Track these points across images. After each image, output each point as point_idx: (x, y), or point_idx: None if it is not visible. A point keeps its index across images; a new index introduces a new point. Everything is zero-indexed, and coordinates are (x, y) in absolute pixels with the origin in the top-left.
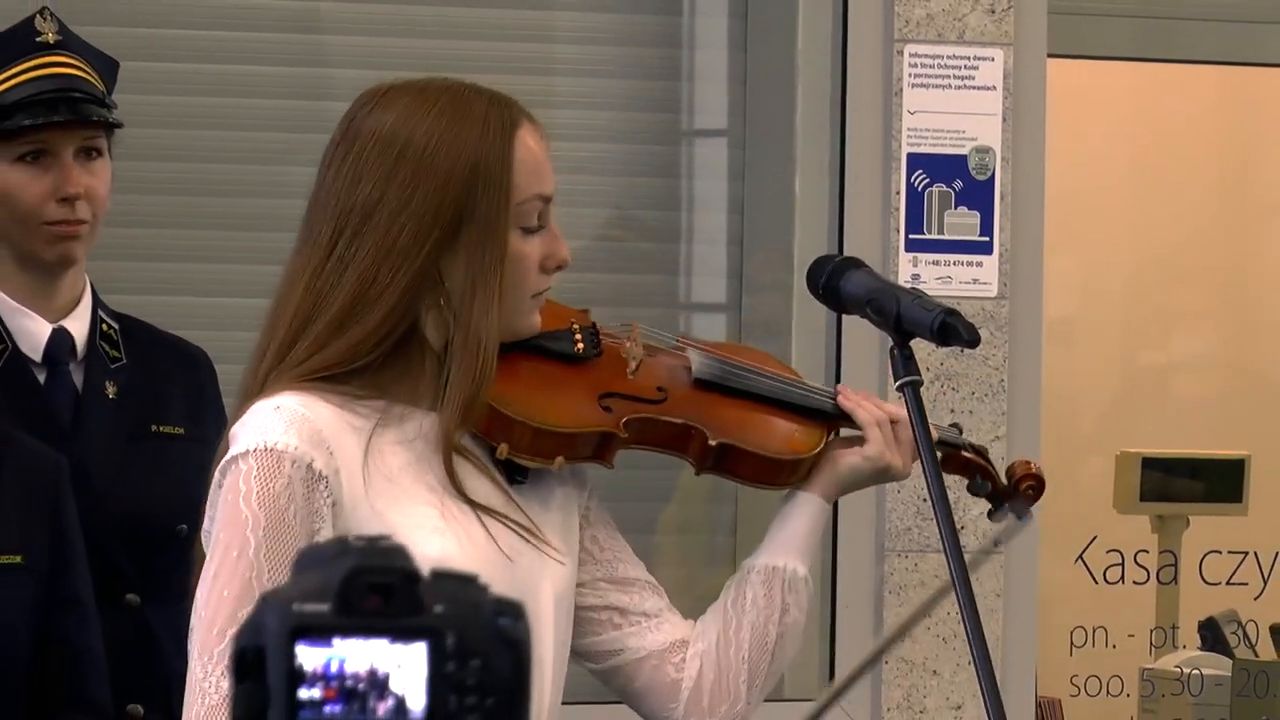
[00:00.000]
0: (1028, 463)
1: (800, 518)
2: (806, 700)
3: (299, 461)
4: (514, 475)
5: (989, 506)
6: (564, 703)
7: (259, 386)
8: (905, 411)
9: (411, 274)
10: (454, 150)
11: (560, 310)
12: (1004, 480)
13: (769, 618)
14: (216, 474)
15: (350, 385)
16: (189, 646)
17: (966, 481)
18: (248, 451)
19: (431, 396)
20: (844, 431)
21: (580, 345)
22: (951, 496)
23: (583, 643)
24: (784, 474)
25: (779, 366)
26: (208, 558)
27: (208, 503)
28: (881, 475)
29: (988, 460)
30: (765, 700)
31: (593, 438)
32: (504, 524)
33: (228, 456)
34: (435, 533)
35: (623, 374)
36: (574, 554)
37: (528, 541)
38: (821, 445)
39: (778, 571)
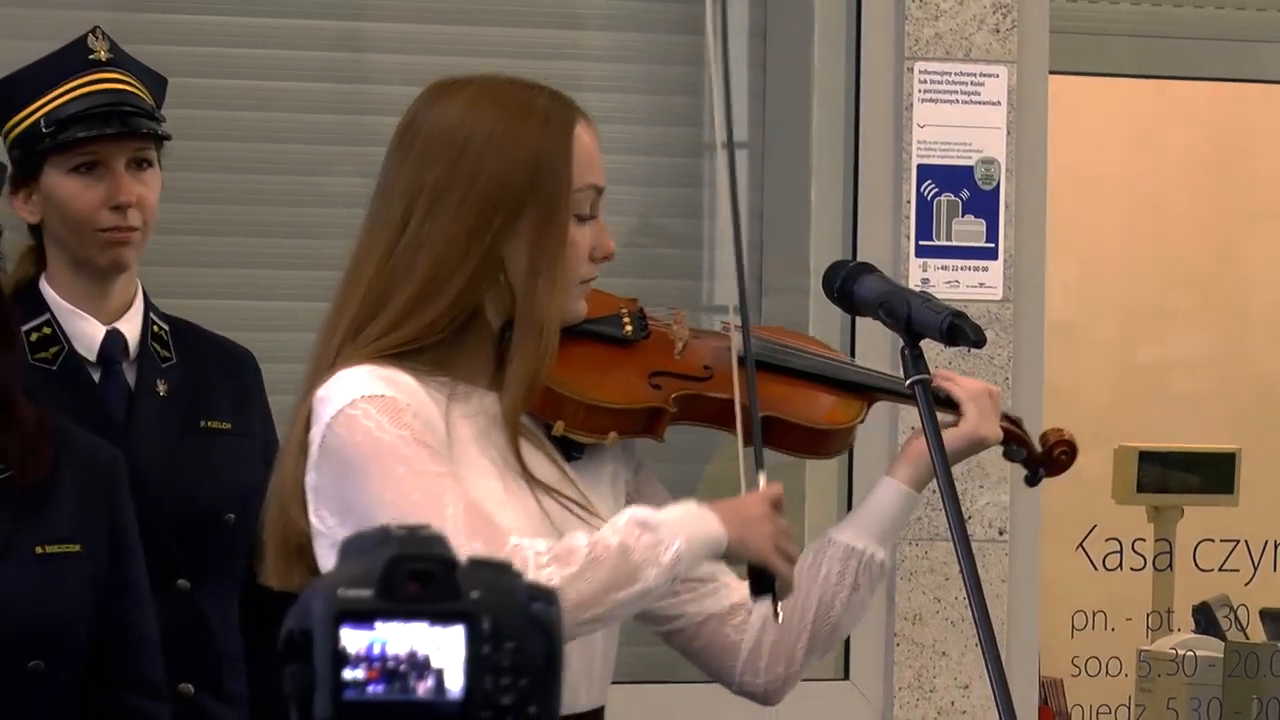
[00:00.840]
0: (1060, 430)
1: (885, 502)
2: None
3: (409, 405)
4: (570, 451)
5: (1009, 479)
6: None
7: (332, 358)
8: (990, 386)
9: (478, 257)
10: (517, 139)
11: (610, 298)
12: (1039, 447)
13: (837, 594)
14: (322, 435)
15: (419, 363)
16: None
17: (1002, 449)
18: (354, 400)
19: (490, 375)
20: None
21: (629, 328)
22: (960, 487)
23: None
24: (826, 443)
25: (820, 346)
26: (367, 499)
27: (311, 481)
28: (976, 447)
29: (1022, 429)
30: None
31: (643, 413)
32: (557, 499)
33: (330, 414)
34: (498, 506)
35: (670, 354)
36: None
37: (578, 516)
38: (861, 416)
39: (856, 553)
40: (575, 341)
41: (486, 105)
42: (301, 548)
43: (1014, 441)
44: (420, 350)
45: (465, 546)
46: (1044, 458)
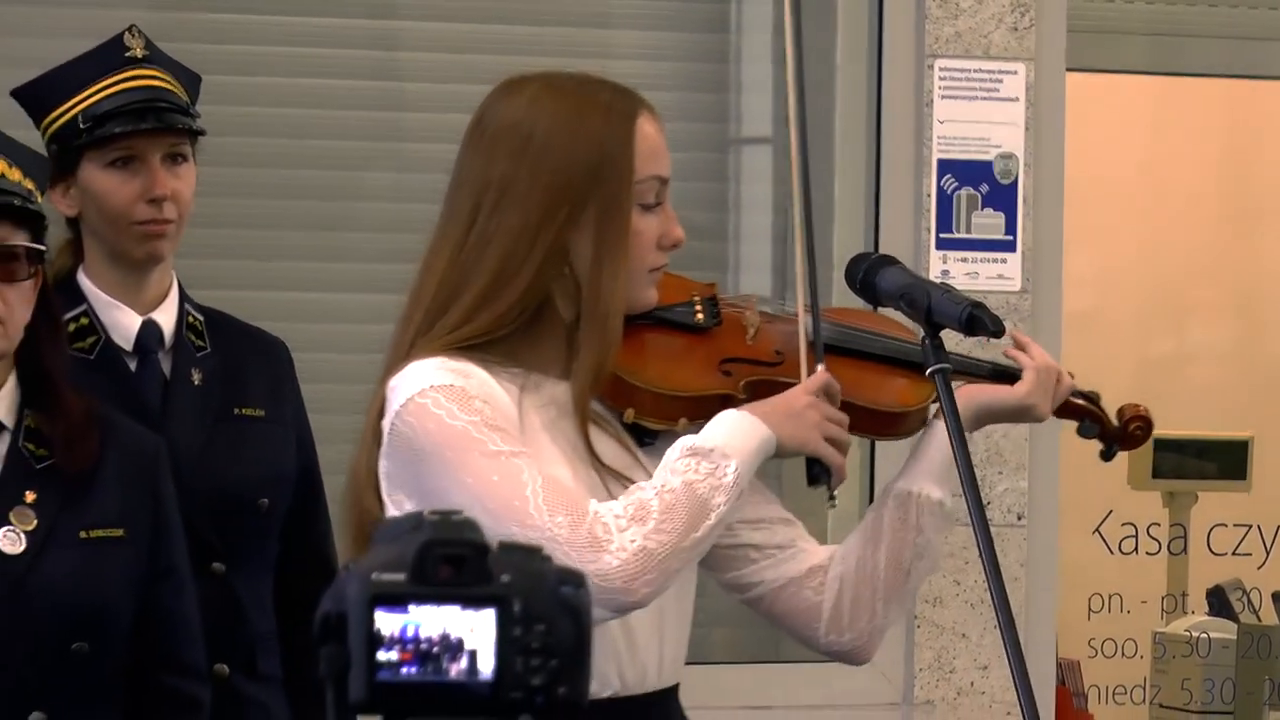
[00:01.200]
0: (1136, 405)
1: (933, 445)
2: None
3: (478, 393)
4: (643, 437)
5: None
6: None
7: (406, 349)
8: (1060, 368)
9: (545, 249)
10: (580, 132)
11: (686, 284)
12: (1114, 422)
13: (903, 540)
14: (393, 424)
15: (492, 354)
16: (493, 532)
17: (1076, 425)
18: (423, 389)
19: (562, 364)
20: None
21: (700, 315)
22: (979, 473)
23: (725, 577)
24: (895, 425)
25: (895, 328)
26: (445, 485)
27: (384, 468)
28: (1022, 413)
29: (1098, 405)
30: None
31: (713, 400)
32: (625, 485)
33: (400, 403)
34: None
35: (742, 340)
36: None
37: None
38: (932, 396)
39: (911, 496)
40: (648, 329)
41: (550, 100)
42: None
43: (1088, 418)
44: (492, 343)
45: (548, 520)
46: (1119, 433)
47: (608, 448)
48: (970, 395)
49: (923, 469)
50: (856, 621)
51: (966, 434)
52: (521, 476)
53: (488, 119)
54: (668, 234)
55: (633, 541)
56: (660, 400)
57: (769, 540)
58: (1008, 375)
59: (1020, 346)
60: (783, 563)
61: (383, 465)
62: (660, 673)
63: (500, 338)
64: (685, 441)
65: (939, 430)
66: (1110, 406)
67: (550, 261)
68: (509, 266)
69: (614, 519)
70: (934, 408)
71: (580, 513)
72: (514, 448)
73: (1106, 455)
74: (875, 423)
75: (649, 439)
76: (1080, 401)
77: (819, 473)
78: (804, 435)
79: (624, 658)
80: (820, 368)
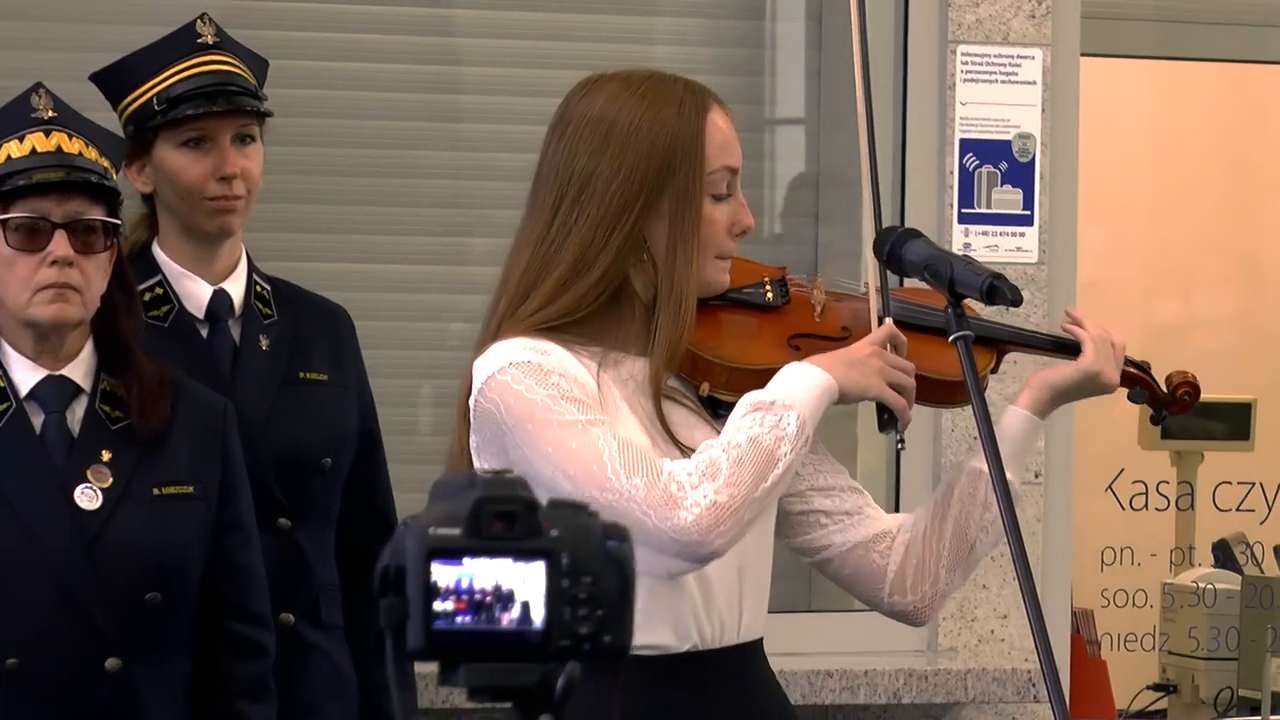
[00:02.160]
0: (1184, 372)
1: (1011, 428)
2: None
3: (554, 368)
4: (718, 409)
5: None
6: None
7: (493, 334)
8: (1120, 336)
9: (623, 236)
10: (655, 127)
11: (757, 267)
12: (1163, 389)
13: (970, 514)
14: (475, 402)
15: (572, 335)
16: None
17: (1127, 392)
18: (503, 367)
19: (640, 343)
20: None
21: (770, 295)
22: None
23: (795, 541)
24: (956, 393)
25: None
26: (527, 455)
27: (474, 442)
28: (1093, 384)
29: (1148, 373)
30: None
31: None
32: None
33: (481, 381)
34: None
35: (810, 317)
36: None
37: None
38: (991, 365)
39: (982, 475)
40: (722, 309)
41: (627, 98)
42: None
43: (1139, 385)
44: (573, 324)
45: (625, 483)
46: (1169, 398)
47: (683, 419)
48: (1041, 379)
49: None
50: (919, 585)
51: (1044, 416)
52: (598, 444)
53: (569, 116)
54: (738, 221)
55: (705, 497)
56: (734, 374)
57: (838, 507)
58: (1067, 347)
59: (1075, 321)
60: (850, 528)
61: (473, 440)
62: (739, 628)
63: (580, 319)
64: (749, 397)
65: (1013, 414)
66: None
67: (628, 248)
68: (589, 253)
69: (686, 477)
70: (990, 378)
71: (655, 473)
72: (590, 416)
73: (1156, 419)
74: (937, 390)
75: (723, 410)
76: (1133, 370)
77: (887, 419)
78: (866, 381)
79: (701, 613)
80: (888, 320)
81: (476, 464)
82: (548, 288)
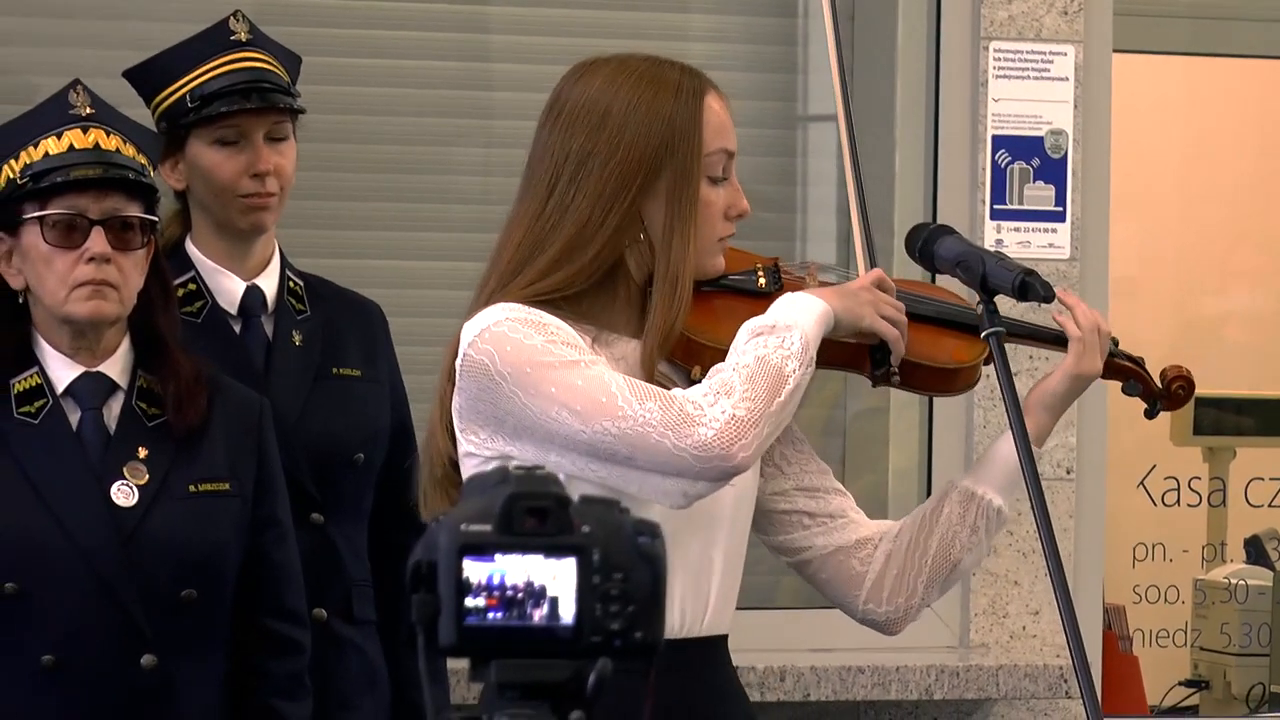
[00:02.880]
0: (1179, 366)
1: (1005, 455)
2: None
3: (550, 321)
4: None
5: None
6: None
7: (483, 303)
8: (1102, 320)
9: (619, 215)
10: (653, 109)
11: (750, 256)
12: (1158, 383)
13: (957, 534)
14: (467, 355)
15: (564, 310)
16: (594, 436)
17: (1121, 384)
18: (499, 320)
19: (634, 324)
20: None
21: (763, 281)
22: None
23: (775, 540)
24: (950, 381)
25: (948, 295)
26: (527, 401)
27: (456, 403)
28: (1080, 382)
29: (1142, 367)
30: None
31: None
32: None
33: (473, 336)
34: None
35: None
36: (756, 461)
37: None
38: (984, 354)
39: (975, 498)
40: (714, 294)
41: (624, 80)
42: (446, 475)
43: (1133, 378)
44: (566, 300)
45: (639, 408)
46: (1163, 392)
47: None
48: (1037, 402)
49: (991, 475)
50: (895, 597)
51: (1044, 441)
52: (604, 377)
53: (564, 98)
54: (734, 205)
55: (724, 412)
56: (724, 358)
57: (822, 509)
58: (1058, 338)
59: (1068, 307)
60: (833, 531)
61: (456, 401)
62: (702, 622)
63: (572, 296)
64: (750, 324)
65: (1008, 441)
66: (1154, 368)
67: (624, 228)
68: (586, 231)
69: (701, 397)
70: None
71: (668, 396)
72: (591, 357)
73: (1150, 413)
74: (931, 378)
75: None
76: (1127, 363)
77: (881, 357)
78: (860, 309)
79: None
80: (876, 268)
81: (457, 428)
82: (541, 264)
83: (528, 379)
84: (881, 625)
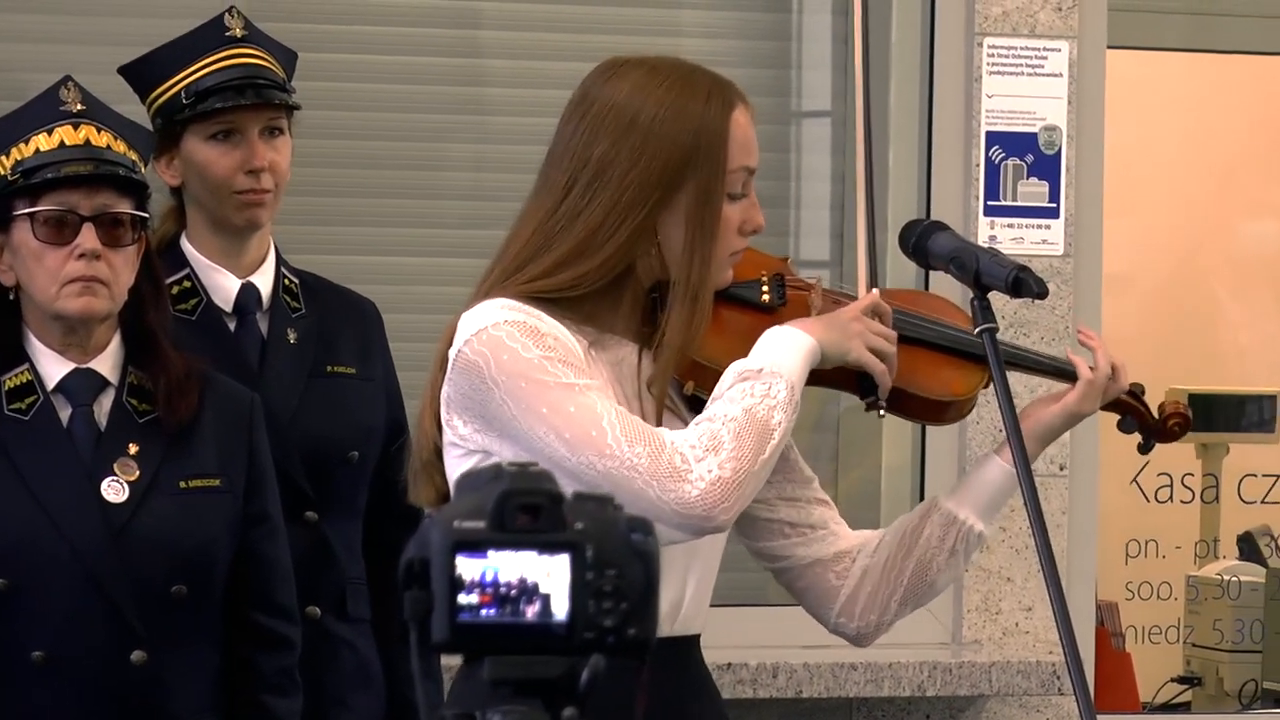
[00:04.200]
0: (1178, 403)
1: (990, 480)
2: None
3: (550, 330)
4: (699, 408)
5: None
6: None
7: (482, 295)
8: (1121, 368)
9: (633, 227)
10: (680, 121)
11: (757, 258)
12: (1155, 415)
13: (935, 556)
14: (461, 352)
15: (564, 310)
16: (578, 466)
17: (1117, 419)
18: (498, 322)
19: (634, 328)
20: None
21: (767, 296)
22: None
23: (756, 545)
24: (942, 413)
25: (952, 313)
26: (518, 413)
27: (445, 392)
28: (1075, 420)
29: (1141, 401)
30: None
31: None
32: None
33: (472, 332)
34: None
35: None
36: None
37: None
38: (980, 386)
39: (956, 522)
40: (717, 305)
41: (654, 86)
42: (431, 460)
43: (1130, 414)
44: (566, 300)
45: (628, 450)
46: (1158, 427)
47: (665, 417)
48: (1029, 431)
49: (973, 499)
50: (868, 613)
51: (1035, 457)
52: (597, 409)
53: (591, 97)
54: (750, 220)
55: (710, 471)
56: (720, 376)
57: (803, 519)
58: (1065, 374)
59: (1089, 348)
60: (813, 542)
61: (445, 390)
62: (675, 621)
63: (575, 297)
64: (735, 366)
65: (994, 466)
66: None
67: (637, 239)
68: (596, 238)
69: (690, 449)
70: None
71: (658, 443)
72: (586, 381)
73: (1144, 448)
74: (923, 409)
75: None
76: (1127, 399)
77: (868, 385)
78: (847, 343)
79: None
80: (874, 290)
81: (443, 415)
82: (546, 263)
83: (521, 392)
84: (852, 639)
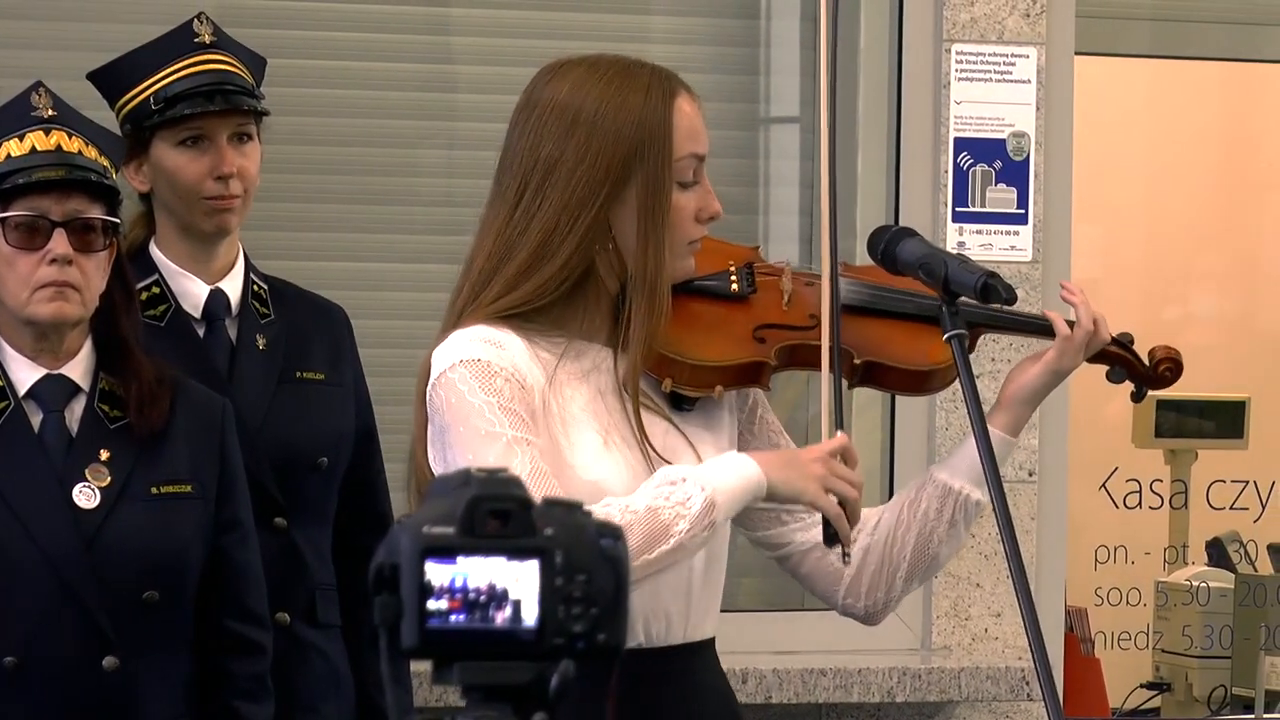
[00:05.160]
0: (1168, 347)
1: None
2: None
3: (503, 369)
4: (681, 404)
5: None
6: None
7: (455, 319)
8: (1103, 323)
9: (587, 223)
10: (622, 114)
11: (725, 249)
12: (1145, 364)
13: (935, 529)
14: (429, 394)
15: (535, 323)
16: None
17: (1106, 370)
18: (455, 364)
19: (607, 331)
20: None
21: (735, 285)
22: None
23: (757, 534)
24: (924, 382)
25: (920, 286)
26: (455, 457)
27: (421, 424)
28: (1062, 376)
29: (1129, 350)
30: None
31: (746, 368)
32: (663, 460)
33: (434, 376)
34: (594, 458)
35: (778, 306)
36: None
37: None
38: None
39: (953, 492)
40: (686, 299)
41: (594, 83)
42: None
43: (1119, 364)
44: (536, 311)
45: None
46: (1149, 374)
47: (645, 415)
48: (1014, 396)
49: (967, 469)
50: (874, 591)
51: (1014, 436)
52: (513, 461)
53: (534, 100)
54: (706, 208)
55: None
56: (696, 370)
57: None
58: (1044, 330)
59: (1072, 305)
60: (811, 527)
61: (429, 429)
62: (687, 628)
63: (543, 306)
64: (665, 471)
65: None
66: (1103, 377)
67: (592, 236)
68: (552, 240)
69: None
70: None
71: None
72: (519, 434)
73: (1137, 396)
74: (905, 380)
75: (687, 406)
76: (1114, 349)
77: (831, 531)
78: (801, 484)
79: (649, 611)
80: (840, 434)
81: (430, 453)
82: (509, 274)
83: (459, 437)
84: (861, 618)
